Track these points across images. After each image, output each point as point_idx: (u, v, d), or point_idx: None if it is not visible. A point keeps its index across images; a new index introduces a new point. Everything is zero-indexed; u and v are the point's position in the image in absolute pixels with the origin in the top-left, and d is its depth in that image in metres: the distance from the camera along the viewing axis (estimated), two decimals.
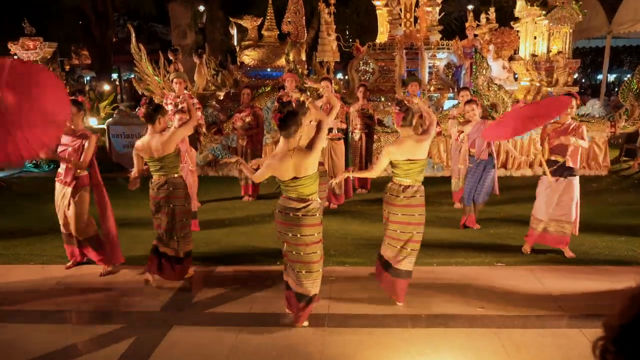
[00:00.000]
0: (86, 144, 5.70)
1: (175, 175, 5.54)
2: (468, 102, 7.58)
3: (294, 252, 4.51)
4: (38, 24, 14.30)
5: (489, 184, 7.37)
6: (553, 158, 6.20)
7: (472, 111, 7.40)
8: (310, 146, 4.37)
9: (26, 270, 6.18)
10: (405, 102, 5.07)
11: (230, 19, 14.60)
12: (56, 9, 21.82)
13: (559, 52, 13.03)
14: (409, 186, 4.88)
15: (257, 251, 6.70)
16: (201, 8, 23.98)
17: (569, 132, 6.12)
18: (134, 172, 5.53)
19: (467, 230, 7.45)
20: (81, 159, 5.71)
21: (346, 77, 17.05)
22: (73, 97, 5.86)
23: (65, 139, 5.71)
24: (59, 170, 5.89)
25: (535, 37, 14.04)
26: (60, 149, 5.72)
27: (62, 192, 5.87)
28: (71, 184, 5.80)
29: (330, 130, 8.00)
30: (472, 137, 7.35)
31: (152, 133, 5.40)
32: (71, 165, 5.72)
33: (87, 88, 18.78)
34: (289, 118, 4.33)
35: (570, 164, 6.13)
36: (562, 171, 6.16)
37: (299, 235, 4.44)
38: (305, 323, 4.67)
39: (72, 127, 5.72)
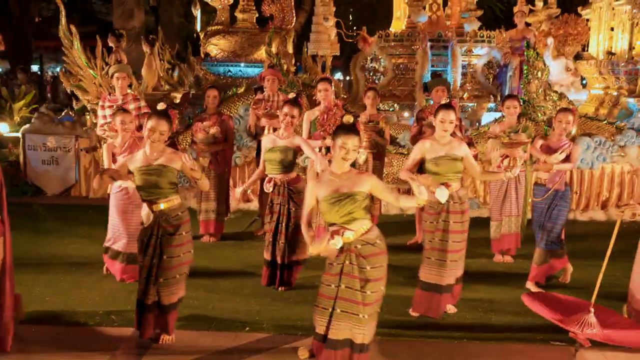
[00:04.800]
0: None
1: None
2: (563, 110, 7.59)
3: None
4: None
5: (562, 222, 7.39)
6: None
7: (568, 124, 7.40)
8: None
9: None
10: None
11: None
12: None
13: None
14: None
15: (218, 311, 6.69)
16: None
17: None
18: None
19: (513, 291, 7.34)
20: None
21: (348, 77, 17.09)
22: None
23: None
24: None
25: (612, 29, 14.09)
26: None
27: None
28: None
29: (328, 150, 7.98)
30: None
31: None
32: None
33: None
34: None
35: None
36: None
37: None
38: None
39: None
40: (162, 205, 5.77)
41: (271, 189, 7.21)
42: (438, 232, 6.37)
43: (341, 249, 4.99)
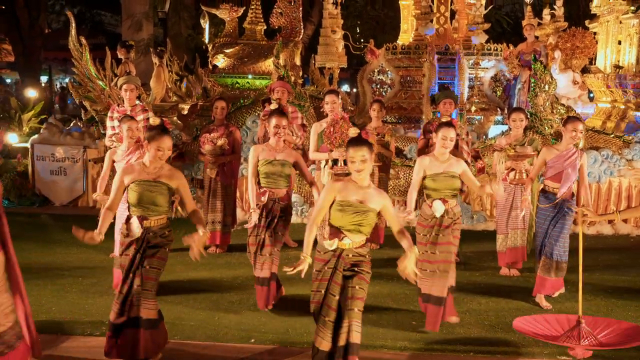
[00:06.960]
0: None
1: None
2: (573, 119, 7.57)
3: None
4: None
5: (567, 231, 7.35)
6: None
7: (581, 133, 7.37)
8: None
9: None
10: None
11: (202, 7, 14.74)
12: None
13: None
14: None
15: (223, 323, 6.68)
16: None
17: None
18: None
19: (519, 304, 7.33)
20: None
21: (355, 89, 17.07)
22: None
23: None
24: None
25: (619, 42, 14.05)
26: None
27: None
28: None
29: (335, 162, 7.98)
30: (554, 167, 7.34)
31: None
32: None
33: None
34: None
35: None
36: None
37: None
38: None
39: None
40: (152, 222, 5.64)
41: (265, 202, 7.00)
42: (429, 245, 6.55)
43: (333, 253, 5.17)
